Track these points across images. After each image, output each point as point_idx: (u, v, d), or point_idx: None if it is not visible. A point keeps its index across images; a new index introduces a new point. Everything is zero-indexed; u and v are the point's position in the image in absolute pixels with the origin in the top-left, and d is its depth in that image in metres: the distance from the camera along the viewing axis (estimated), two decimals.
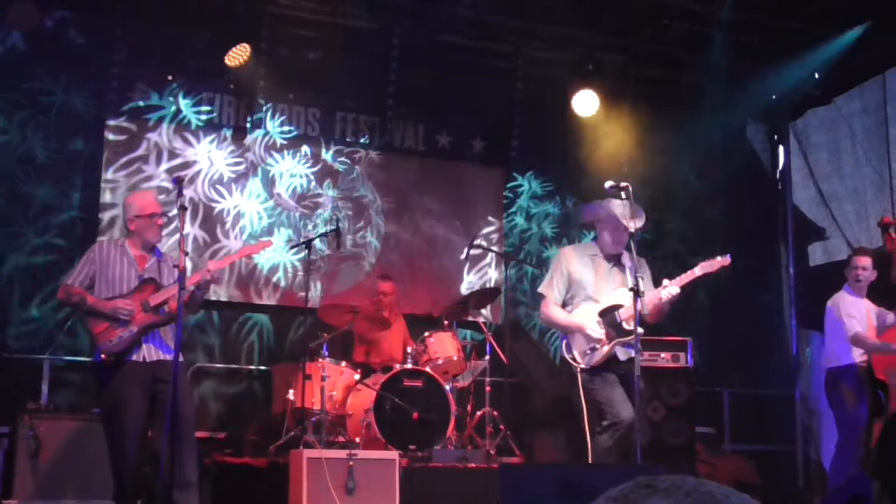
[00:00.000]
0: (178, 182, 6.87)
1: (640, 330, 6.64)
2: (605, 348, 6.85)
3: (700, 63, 10.94)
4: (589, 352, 6.90)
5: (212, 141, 10.71)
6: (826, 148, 11.45)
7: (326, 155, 11.20)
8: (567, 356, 7.02)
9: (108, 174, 10.19)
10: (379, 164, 11.44)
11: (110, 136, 10.25)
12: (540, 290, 7.27)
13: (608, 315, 6.90)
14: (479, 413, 9.33)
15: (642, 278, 6.74)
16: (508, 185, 12.04)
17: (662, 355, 9.57)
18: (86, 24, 10.16)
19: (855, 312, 7.54)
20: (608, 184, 6.87)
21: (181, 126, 10.59)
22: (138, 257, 6.86)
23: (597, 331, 6.87)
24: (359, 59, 10.78)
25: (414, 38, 10.54)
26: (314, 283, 10.68)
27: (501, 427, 9.23)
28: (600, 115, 11.13)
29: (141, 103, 10.37)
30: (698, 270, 6.80)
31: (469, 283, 11.62)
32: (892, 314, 7.60)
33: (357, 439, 8.61)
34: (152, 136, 10.45)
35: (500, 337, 9.91)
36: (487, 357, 9.47)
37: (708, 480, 1.25)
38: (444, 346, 9.28)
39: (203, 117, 10.68)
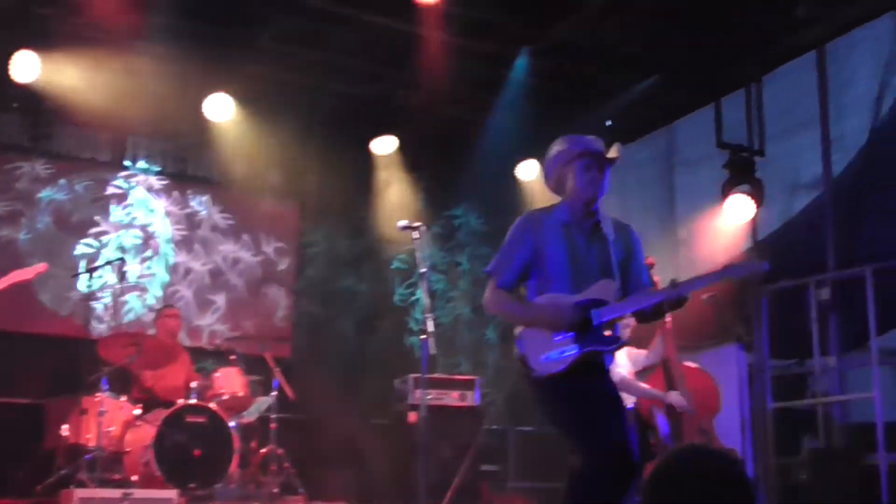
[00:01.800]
0: None
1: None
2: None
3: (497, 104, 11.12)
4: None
5: None
6: (615, 192, 11.70)
7: (117, 181, 10.94)
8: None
9: None
10: (173, 192, 11.27)
11: None
12: (490, 268, 5.17)
13: (582, 312, 4.98)
14: (263, 450, 9.25)
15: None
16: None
17: (451, 394, 9.69)
18: None
19: (619, 357, 7.69)
20: (401, 223, 6.97)
21: None
22: None
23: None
24: (157, 84, 10.51)
25: (216, 65, 10.33)
26: (95, 314, 10.40)
27: (286, 465, 9.16)
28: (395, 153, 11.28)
29: None
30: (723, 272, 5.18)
31: (262, 317, 11.51)
32: (643, 353, 7.81)
33: (134, 478, 8.38)
34: None
35: (287, 372, 9.85)
36: (274, 393, 9.39)
37: None
38: (230, 381, 9.17)
39: None
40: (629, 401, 7.53)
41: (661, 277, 7.36)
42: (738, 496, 2.13)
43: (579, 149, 5.07)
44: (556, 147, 5.17)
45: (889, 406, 9.85)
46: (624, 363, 7.58)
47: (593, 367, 4.90)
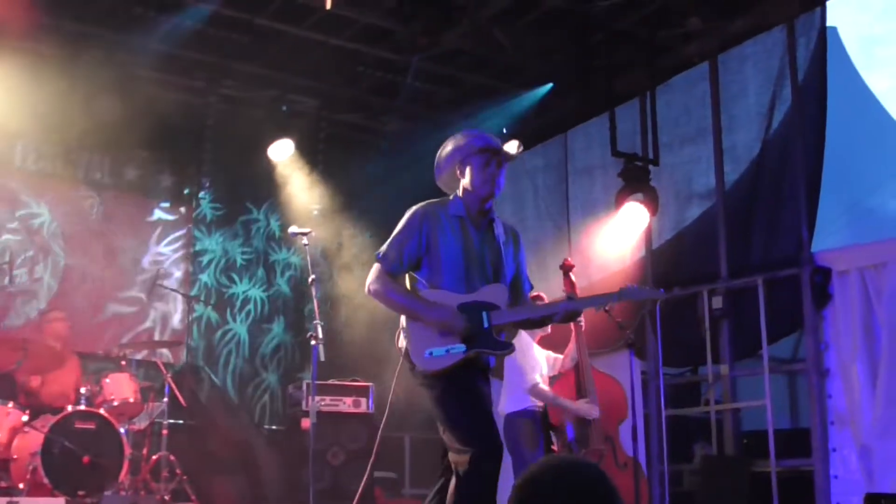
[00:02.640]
0: None
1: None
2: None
3: (394, 110, 11.18)
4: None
5: None
6: (510, 199, 11.95)
7: (6, 182, 10.80)
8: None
9: None
10: (64, 195, 11.10)
11: None
12: (379, 252, 5.04)
13: (472, 313, 4.89)
14: (154, 457, 9.20)
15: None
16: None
17: (345, 400, 9.70)
18: None
19: (535, 362, 7.74)
20: (291, 229, 6.96)
21: None
22: None
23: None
24: (43, 86, 10.39)
25: (103, 67, 10.26)
26: None
27: (178, 471, 9.13)
28: (294, 157, 11.26)
29: None
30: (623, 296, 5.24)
31: (152, 320, 11.40)
32: (558, 358, 7.90)
33: (21, 485, 8.26)
34: None
35: (179, 378, 9.79)
36: (166, 399, 9.36)
37: None
38: (120, 387, 9.09)
39: None
40: (537, 403, 7.62)
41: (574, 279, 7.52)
42: None
43: (480, 144, 5.06)
44: (456, 140, 5.15)
45: (779, 414, 10.09)
46: (538, 366, 7.66)
47: (474, 365, 4.91)
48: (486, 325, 4.84)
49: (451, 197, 5.13)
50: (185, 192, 11.83)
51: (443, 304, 4.84)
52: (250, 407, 11.28)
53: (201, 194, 11.77)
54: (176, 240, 11.87)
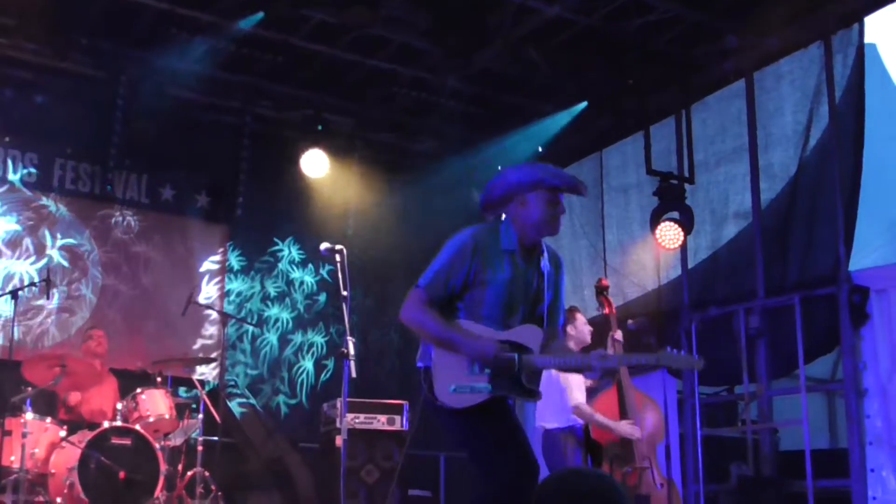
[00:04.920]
0: None
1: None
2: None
3: (428, 130, 11.32)
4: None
5: None
6: None
7: (46, 201, 11.02)
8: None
9: None
10: (99, 214, 11.31)
11: None
12: (422, 281, 4.88)
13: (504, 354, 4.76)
14: (190, 473, 9.22)
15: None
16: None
17: (379, 418, 9.79)
18: None
19: (574, 382, 7.70)
20: (323, 246, 7.01)
21: None
22: None
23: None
24: (83, 106, 10.64)
25: (141, 88, 10.48)
26: (19, 336, 10.38)
27: (213, 488, 9.15)
28: (328, 176, 11.39)
29: None
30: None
31: (188, 339, 11.58)
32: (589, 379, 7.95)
33: (58, 500, 8.36)
34: None
35: (214, 395, 9.92)
36: (201, 416, 9.40)
37: None
38: (155, 403, 9.14)
39: None
40: (579, 420, 7.67)
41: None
42: None
43: (555, 183, 4.87)
44: (523, 171, 4.96)
45: (817, 434, 10.10)
46: (578, 382, 7.72)
47: (499, 403, 4.80)
48: (516, 368, 4.70)
49: (498, 225, 4.95)
50: (221, 210, 11.97)
51: (480, 339, 4.70)
52: (284, 425, 11.37)
53: (237, 212, 11.89)
54: (212, 260, 12.05)
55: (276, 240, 12.39)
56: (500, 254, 4.84)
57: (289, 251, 12.45)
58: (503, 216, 4.96)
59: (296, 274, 12.47)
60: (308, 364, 12.25)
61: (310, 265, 12.50)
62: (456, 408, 4.71)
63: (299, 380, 12.15)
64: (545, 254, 4.99)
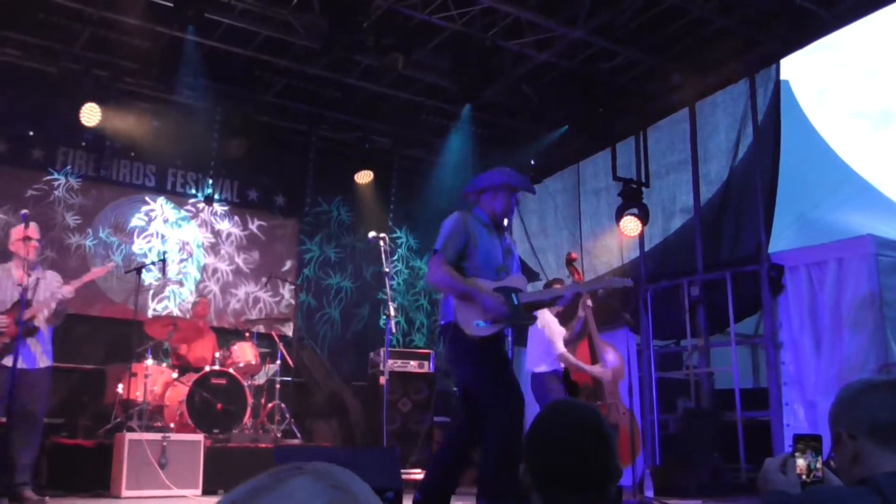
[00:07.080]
0: (26, 218, 6.63)
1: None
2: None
3: (447, 147, 11.29)
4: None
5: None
6: (536, 214, 12.04)
7: (161, 201, 11.06)
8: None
9: None
10: (200, 210, 11.35)
11: None
12: (437, 247, 5.07)
13: (506, 294, 5.00)
14: (270, 405, 9.30)
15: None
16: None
17: (411, 363, 9.81)
18: None
19: (557, 334, 7.71)
20: (371, 234, 7.10)
21: None
22: (20, 277, 6.46)
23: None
24: (188, 129, 10.65)
25: (232, 116, 10.50)
26: (144, 301, 10.45)
27: (287, 416, 9.22)
28: (372, 182, 11.41)
29: None
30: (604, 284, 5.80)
31: (268, 304, 11.60)
32: (565, 330, 7.88)
33: (171, 425, 8.44)
34: None
35: (289, 346, 9.94)
36: (279, 362, 9.45)
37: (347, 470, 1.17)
38: (244, 352, 9.20)
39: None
40: (561, 365, 7.65)
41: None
42: (595, 439, 2.26)
43: (515, 184, 5.26)
44: (500, 173, 5.31)
45: (744, 376, 10.08)
46: (559, 336, 7.68)
47: (502, 336, 5.11)
48: (516, 303, 4.93)
49: (472, 209, 5.26)
50: (293, 207, 11.98)
51: (489, 289, 4.93)
52: (341, 368, 11.39)
53: (305, 209, 11.92)
54: (287, 244, 12.05)
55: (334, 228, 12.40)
56: (479, 227, 5.13)
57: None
58: (475, 204, 5.29)
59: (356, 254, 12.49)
60: (357, 323, 12.29)
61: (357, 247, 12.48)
62: (482, 335, 4.89)
63: (350, 333, 12.17)
64: (506, 234, 5.34)
